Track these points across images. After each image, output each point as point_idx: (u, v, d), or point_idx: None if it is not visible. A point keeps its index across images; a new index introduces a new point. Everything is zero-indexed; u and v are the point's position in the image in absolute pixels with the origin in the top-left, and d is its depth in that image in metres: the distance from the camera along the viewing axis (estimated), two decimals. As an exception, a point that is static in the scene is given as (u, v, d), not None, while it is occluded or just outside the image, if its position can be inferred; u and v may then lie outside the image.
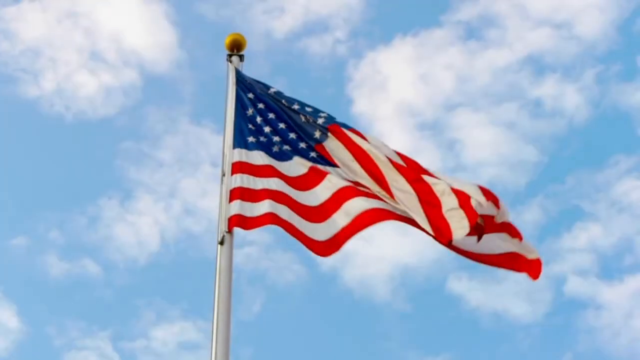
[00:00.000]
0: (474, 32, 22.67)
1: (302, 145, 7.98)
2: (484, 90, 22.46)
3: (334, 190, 7.55)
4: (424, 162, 7.87)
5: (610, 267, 21.14)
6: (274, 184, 7.60)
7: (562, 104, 22.19)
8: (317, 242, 7.34)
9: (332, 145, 7.93)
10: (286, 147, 7.97)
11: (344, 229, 7.33)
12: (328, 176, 7.65)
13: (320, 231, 7.38)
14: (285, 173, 7.73)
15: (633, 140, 22.34)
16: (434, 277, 20.89)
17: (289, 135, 8.03)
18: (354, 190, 7.52)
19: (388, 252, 19.91)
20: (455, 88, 22.57)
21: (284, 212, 7.40)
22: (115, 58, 22.68)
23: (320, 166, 7.80)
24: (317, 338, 20.20)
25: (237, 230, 7.37)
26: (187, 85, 23.02)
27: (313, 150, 7.94)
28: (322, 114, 8.14)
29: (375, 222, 7.37)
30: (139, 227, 21.68)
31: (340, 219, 7.37)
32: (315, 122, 8.06)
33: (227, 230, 7.28)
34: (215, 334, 6.76)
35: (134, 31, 24.14)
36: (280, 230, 7.35)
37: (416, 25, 22.92)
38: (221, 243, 7.25)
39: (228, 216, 7.35)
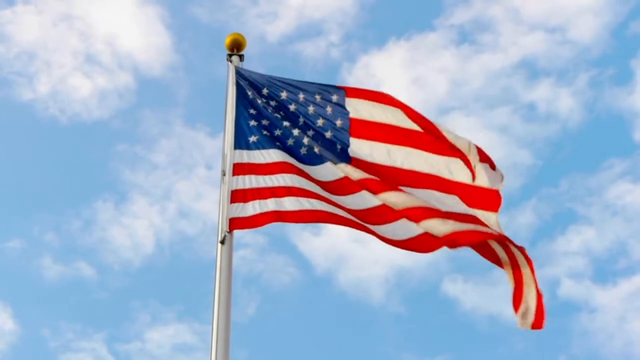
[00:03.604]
0: (467, 36, 22.73)
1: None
2: (478, 94, 22.52)
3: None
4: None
5: (604, 271, 21.20)
6: (289, 179, 7.59)
7: (556, 108, 22.26)
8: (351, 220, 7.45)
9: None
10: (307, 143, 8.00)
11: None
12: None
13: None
14: (313, 176, 7.79)
15: (627, 144, 22.42)
16: (429, 280, 20.92)
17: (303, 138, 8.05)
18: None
19: (383, 254, 19.96)
20: (448, 92, 22.62)
21: (294, 203, 7.45)
22: (110, 61, 22.70)
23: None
24: (312, 340, 20.23)
25: (235, 231, 7.35)
26: (182, 89, 23.05)
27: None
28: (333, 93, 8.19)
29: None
30: (134, 229, 21.70)
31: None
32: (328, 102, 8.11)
33: (228, 230, 7.28)
34: (215, 334, 6.77)
35: (129, 34, 24.15)
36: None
37: (410, 29, 22.99)
38: (222, 242, 7.26)
39: (229, 217, 7.35)
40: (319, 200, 7.46)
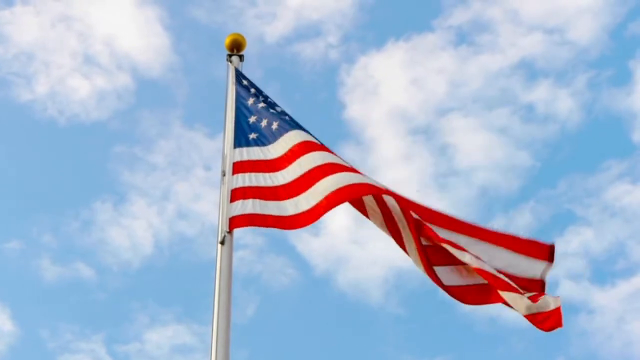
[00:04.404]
0: (466, 37, 22.75)
1: None
2: (476, 95, 22.54)
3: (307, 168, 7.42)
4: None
5: (602, 272, 21.22)
6: (292, 171, 7.45)
7: (554, 109, 22.28)
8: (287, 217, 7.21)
9: None
10: None
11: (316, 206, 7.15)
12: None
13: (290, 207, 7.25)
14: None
15: (625, 145, 22.44)
16: (428, 280, 20.89)
17: None
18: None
19: (382, 255, 19.92)
20: (447, 93, 22.64)
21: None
22: (109, 62, 22.70)
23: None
24: (312, 341, 20.22)
25: (235, 231, 7.31)
26: (180, 89, 23.06)
27: None
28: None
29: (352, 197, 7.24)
30: (133, 230, 21.70)
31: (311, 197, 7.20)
32: None
33: (227, 230, 7.25)
34: (215, 334, 6.75)
35: (128, 35, 24.15)
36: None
37: (408, 30, 23.01)
38: (222, 243, 7.23)
39: (229, 216, 7.31)
40: (332, 175, 7.24)
